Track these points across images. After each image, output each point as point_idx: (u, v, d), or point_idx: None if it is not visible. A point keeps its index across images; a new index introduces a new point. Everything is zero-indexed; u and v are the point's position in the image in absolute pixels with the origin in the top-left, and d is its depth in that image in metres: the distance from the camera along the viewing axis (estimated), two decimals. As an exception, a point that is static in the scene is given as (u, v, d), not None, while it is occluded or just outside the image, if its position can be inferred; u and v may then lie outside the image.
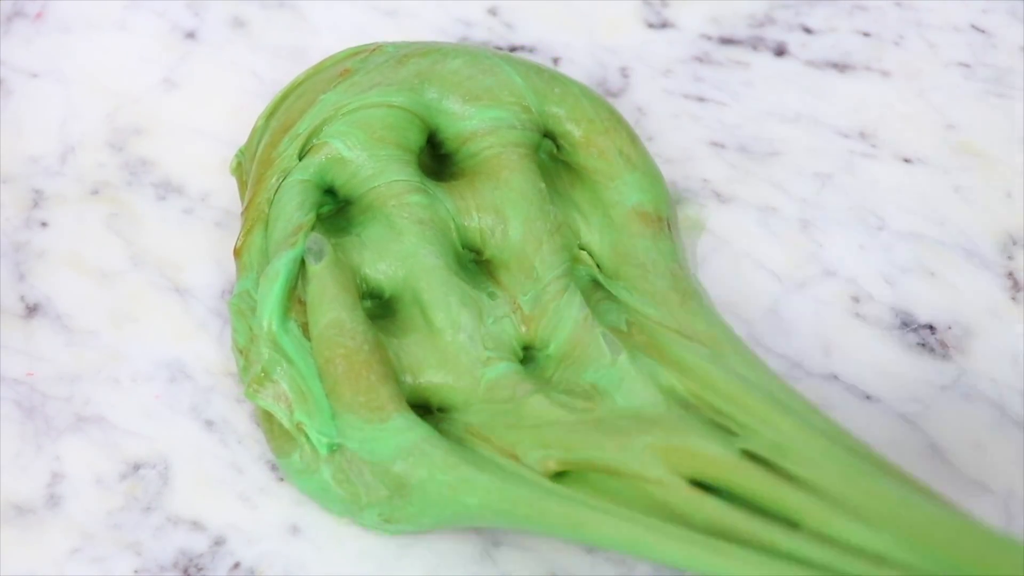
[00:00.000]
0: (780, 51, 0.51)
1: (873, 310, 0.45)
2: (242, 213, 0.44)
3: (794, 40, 0.52)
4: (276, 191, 0.43)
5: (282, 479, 0.41)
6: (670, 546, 0.35)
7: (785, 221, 0.47)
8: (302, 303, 0.41)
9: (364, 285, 0.41)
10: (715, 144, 0.49)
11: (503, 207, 0.43)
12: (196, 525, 0.40)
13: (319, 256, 0.41)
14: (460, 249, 0.42)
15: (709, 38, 0.52)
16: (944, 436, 0.42)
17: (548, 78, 0.45)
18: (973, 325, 0.44)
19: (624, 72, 0.51)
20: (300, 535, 0.40)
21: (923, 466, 0.41)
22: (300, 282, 0.41)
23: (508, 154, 0.43)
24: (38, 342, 0.43)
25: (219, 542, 0.40)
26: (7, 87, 0.49)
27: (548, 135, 0.45)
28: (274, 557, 0.39)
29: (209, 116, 0.49)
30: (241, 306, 0.41)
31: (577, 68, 0.50)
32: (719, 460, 0.36)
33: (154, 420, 0.42)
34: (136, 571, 0.39)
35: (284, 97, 0.45)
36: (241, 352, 0.41)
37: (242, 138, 0.46)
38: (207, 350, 0.43)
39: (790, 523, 0.35)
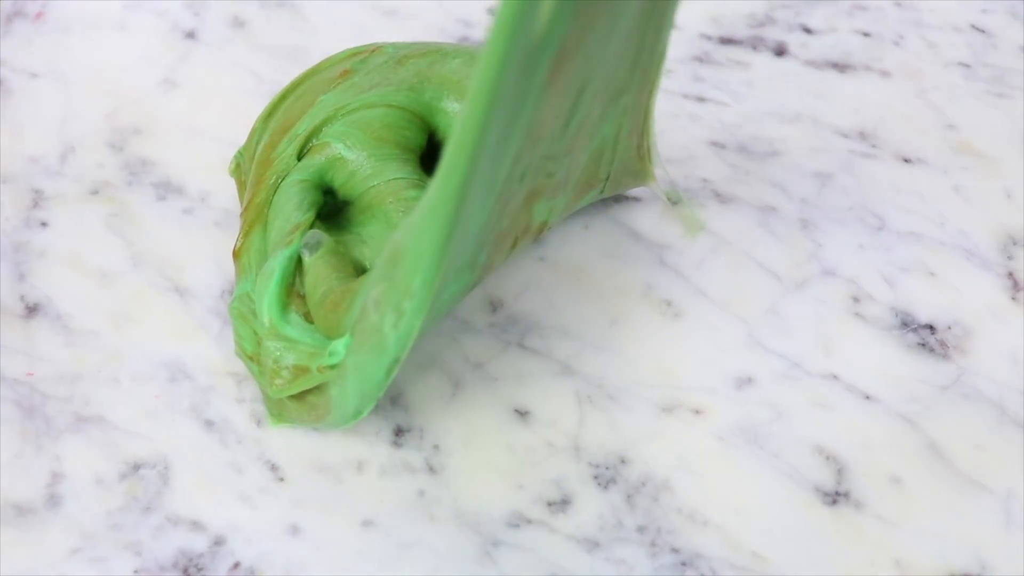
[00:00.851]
0: (780, 51, 0.51)
1: (873, 310, 0.45)
2: (241, 214, 0.44)
3: (794, 40, 0.52)
4: (275, 192, 0.43)
5: (282, 479, 0.41)
6: None
7: (785, 221, 0.47)
8: (302, 297, 0.41)
9: (359, 271, 0.41)
10: (715, 144, 0.49)
11: None
12: (196, 525, 0.40)
13: (315, 248, 0.41)
14: None
15: (709, 38, 0.52)
16: (944, 436, 0.42)
17: None
18: (973, 325, 0.45)
19: (624, 72, 0.51)
20: (300, 535, 0.40)
21: (923, 466, 0.41)
22: (298, 279, 0.41)
23: None
24: (38, 342, 0.43)
25: (219, 542, 0.40)
26: (7, 87, 0.49)
27: None
28: (274, 557, 0.39)
29: (209, 116, 0.49)
30: (242, 310, 0.41)
31: (577, 68, 0.50)
32: None
33: (154, 420, 0.42)
34: (136, 571, 0.39)
35: (283, 98, 0.45)
36: (252, 359, 0.41)
37: (242, 138, 0.46)
38: (207, 350, 0.43)
39: None
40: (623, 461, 0.41)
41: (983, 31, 0.52)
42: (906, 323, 0.45)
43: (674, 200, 0.46)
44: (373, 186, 0.42)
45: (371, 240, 0.42)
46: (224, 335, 0.43)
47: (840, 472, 0.41)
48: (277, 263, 0.41)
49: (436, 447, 0.41)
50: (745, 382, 0.43)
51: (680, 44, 0.51)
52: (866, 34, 0.52)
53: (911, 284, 0.45)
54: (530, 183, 0.39)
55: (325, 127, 0.43)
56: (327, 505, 0.40)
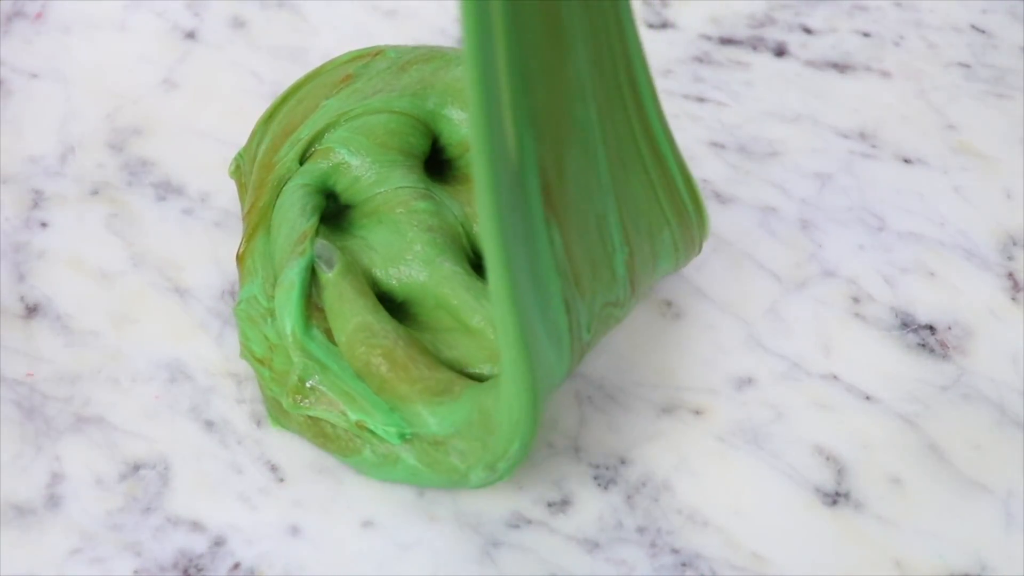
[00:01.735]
0: (780, 51, 0.51)
1: (873, 310, 0.45)
2: (243, 218, 0.44)
3: (794, 40, 0.52)
4: (277, 196, 0.43)
5: (282, 479, 0.41)
6: None
7: (785, 221, 0.47)
8: (319, 309, 0.41)
9: (375, 288, 0.41)
10: (715, 144, 0.49)
11: None
12: (196, 525, 0.40)
13: (330, 263, 0.41)
14: (471, 254, 0.42)
15: (709, 38, 0.52)
16: (944, 436, 0.42)
17: None
18: (973, 325, 0.44)
19: (624, 72, 0.50)
20: (300, 535, 0.40)
21: (923, 466, 0.41)
22: (314, 289, 0.41)
23: None
24: (38, 342, 0.43)
25: (219, 542, 0.40)
26: (7, 87, 0.49)
27: None
28: (274, 557, 0.39)
29: (209, 116, 0.49)
30: (250, 312, 0.41)
31: (577, 68, 0.50)
32: None
33: (154, 421, 0.42)
34: (136, 571, 0.39)
35: (284, 101, 0.45)
36: (261, 362, 0.41)
37: (242, 138, 0.46)
38: (207, 350, 0.43)
39: None
40: (623, 461, 0.41)
41: (983, 31, 0.52)
42: (906, 323, 0.45)
43: None
44: (379, 192, 0.42)
45: (380, 247, 0.42)
46: (224, 335, 0.43)
47: (840, 472, 0.41)
48: (296, 275, 0.41)
49: (436, 447, 0.41)
50: (745, 382, 0.43)
51: (680, 44, 0.51)
52: (866, 34, 0.52)
53: (911, 284, 0.45)
54: (599, 330, 0.40)
55: (328, 132, 0.43)
56: (327, 505, 0.40)
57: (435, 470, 0.39)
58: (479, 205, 0.33)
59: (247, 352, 0.42)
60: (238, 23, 0.51)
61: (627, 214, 0.39)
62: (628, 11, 0.37)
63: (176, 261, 0.45)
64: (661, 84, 0.50)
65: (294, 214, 0.42)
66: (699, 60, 0.51)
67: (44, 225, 0.46)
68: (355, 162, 0.43)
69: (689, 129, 0.49)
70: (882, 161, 0.48)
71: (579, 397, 0.43)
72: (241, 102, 0.49)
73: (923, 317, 0.45)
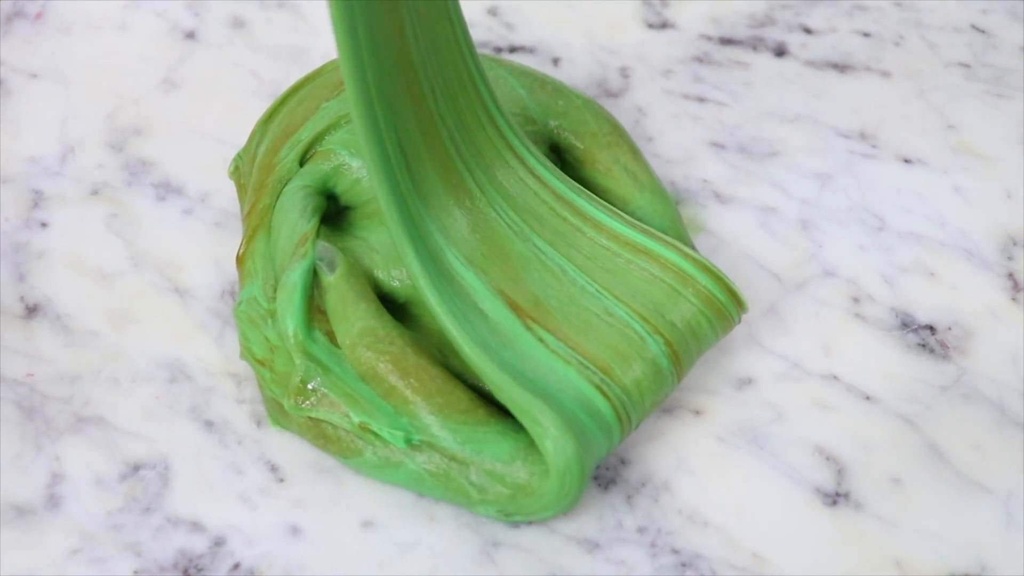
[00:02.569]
0: (780, 51, 0.51)
1: (873, 310, 0.45)
2: (243, 219, 0.44)
3: (794, 40, 0.52)
4: (278, 197, 0.43)
5: (282, 480, 0.41)
6: None
7: (785, 221, 0.47)
8: (322, 312, 0.41)
9: (377, 289, 0.41)
10: (715, 144, 0.49)
11: None
12: (196, 526, 0.40)
13: (332, 266, 0.41)
14: None
15: (709, 38, 0.52)
16: (944, 436, 0.42)
17: (551, 90, 0.45)
18: (973, 325, 0.44)
19: (624, 72, 0.51)
20: (300, 536, 0.40)
21: (923, 466, 0.41)
22: (316, 291, 0.41)
23: None
24: (38, 343, 0.43)
25: (219, 543, 0.40)
26: (7, 87, 0.49)
27: (552, 148, 0.45)
28: (274, 558, 0.39)
29: (209, 116, 0.49)
30: (251, 314, 0.41)
31: (577, 68, 0.50)
32: None
33: (154, 421, 0.42)
34: (136, 572, 0.39)
35: (283, 102, 0.45)
36: (262, 363, 0.41)
37: (242, 138, 0.46)
38: (207, 351, 0.43)
39: None
40: (623, 462, 0.41)
41: (983, 31, 0.52)
42: (906, 324, 0.45)
43: (675, 202, 0.46)
44: None
45: (381, 249, 0.42)
46: (224, 336, 0.43)
47: (840, 473, 0.41)
48: (298, 277, 0.41)
49: (436, 448, 0.41)
50: (745, 383, 0.43)
51: (680, 44, 0.51)
52: (866, 34, 0.52)
53: (911, 284, 0.45)
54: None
55: (328, 134, 0.43)
56: (327, 506, 0.40)
57: (440, 483, 0.39)
58: (449, 339, 0.39)
59: (247, 353, 0.42)
60: (238, 23, 0.51)
61: (639, 306, 0.41)
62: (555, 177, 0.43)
63: (176, 261, 0.45)
64: (661, 84, 0.50)
65: (295, 216, 0.42)
66: (699, 60, 0.51)
67: (44, 225, 0.46)
68: (356, 164, 0.43)
69: (689, 129, 0.49)
70: (882, 161, 0.48)
71: (579, 397, 0.43)
72: (241, 102, 0.49)
73: (923, 317, 0.45)
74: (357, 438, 0.40)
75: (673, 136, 0.49)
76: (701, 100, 0.50)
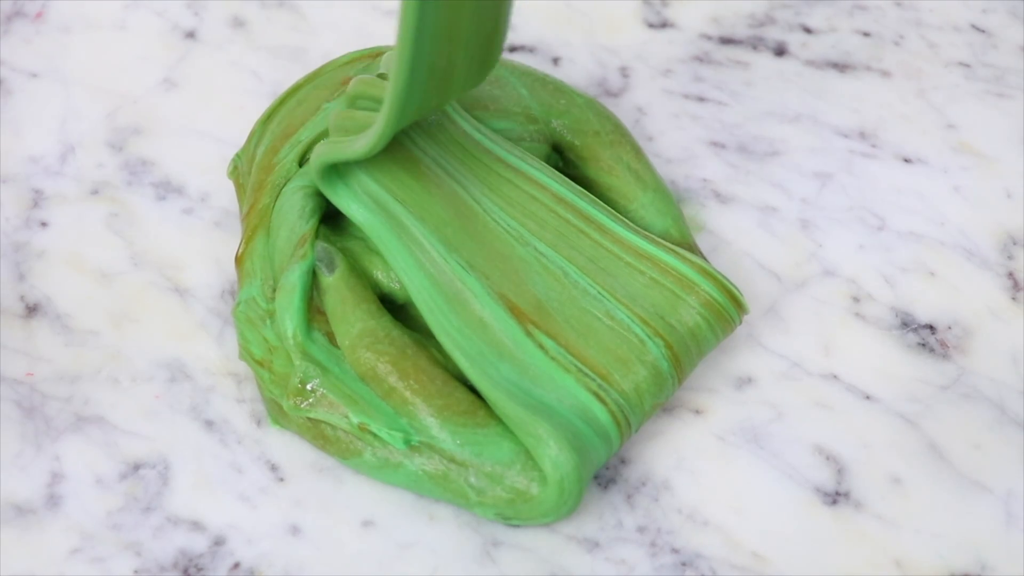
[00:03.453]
0: (780, 51, 0.51)
1: (873, 310, 0.45)
2: (242, 219, 0.44)
3: (794, 40, 0.52)
4: (277, 198, 0.43)
5: (282, 479, 0.41)
6: None
7: (785, 221, 0.47)
8: (321, 313, 0.41)
9: (376, 290, 0.41)
10: (715, 144, 0.49)
11: None
12: (196, 525, 0.40)
13: (331, 267, 0.41)
14: None
15: (709, 38, 0.52)
16: (944, 436, 0.42)
17: (553, 90, 0.45)
18: (973, 325, 0.44)
19: (624, 72, 0.51)
20: (300, 535, 0.40)
21: (923, 466, 0.41)
22: (315, 292, 0.41)
23: None
24: (38, 342, 0.43)
25: (219, 542, 0.40)
26: (7, 87, 0.49)
27: (554, 147, 0.45)
28: (274, 557, 0.39)
29: (209, 116, 0.49)
30: (249, 314, 0.41)
31: (577, 68, 0.50)
32: None
33: (154, 420, 0.42)
34: (136, 571, 0.39)
35: (282, 102, 0.45)
36: (261, 364, 0.41)
37: (242, 138, 0.46)
38: (207, 350, 0.43)
39: None
40: (623, 461, 0.41)
41: (983, 31, 0.52)
42: (906, 323, 0.45)
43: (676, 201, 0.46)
44: None
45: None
46: (224, 335, 0.43)
47: (840, 472, 0.41)
48: (297, 278, 0.41)
49: (436, 447, 0.41)
50: (745, 382, 0.43)
51: (680, 44, 0.51)
52: (866, 34, 0.52)
53: (911, 284, 0.45)
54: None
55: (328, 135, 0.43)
56: (327, 505, 0.40)
57: (439, 484, 0.39)
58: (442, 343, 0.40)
59: (246, 354, 0.42)
60: (238, 23, 0.51)
61: (640, 309, 0.41)
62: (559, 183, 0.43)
63: (176, 261, 0.45)
64: (661, 84, 0.50)
65: (293, 216, 0.42)
66: (699, 60, 0.51)
67: (44, 225, 0.46)
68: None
69: (689, 129, 0.49)
70: (882, 161, 0.48)
71: (579, 397, 0.43)
72: (241, 102, 0.49)
73: (923, 317, 0.45)
74: (356, 439, 0.40)
75: (673, 135, 0.49)
76: (701, 100, 0.50)
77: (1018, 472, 0.41)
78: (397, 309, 0.41)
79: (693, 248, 0.44)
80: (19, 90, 0.49)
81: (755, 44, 0.51)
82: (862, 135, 0.49)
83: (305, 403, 0.40)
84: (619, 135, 0.45)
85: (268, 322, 0.41)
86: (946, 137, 0.49)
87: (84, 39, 0.51)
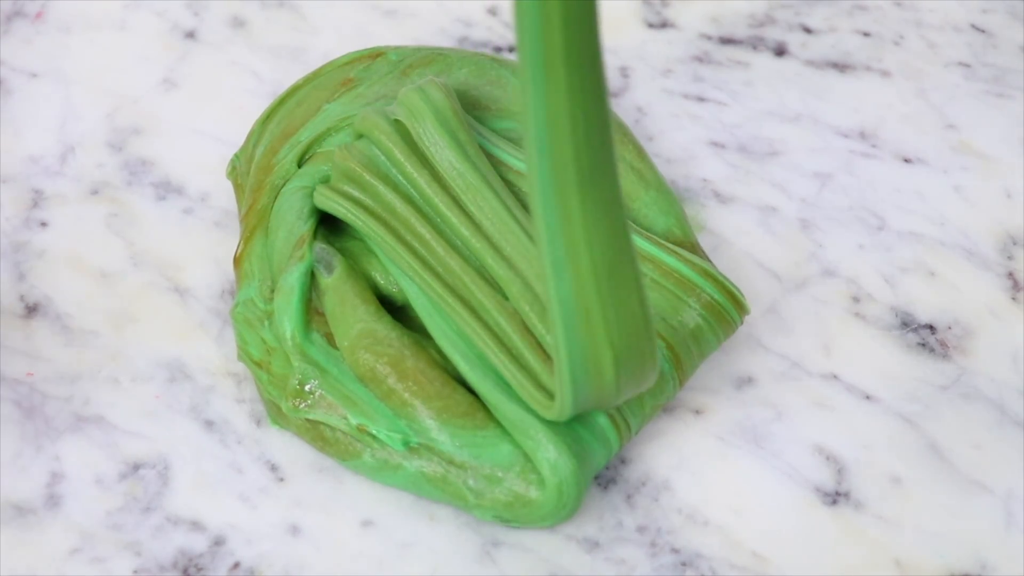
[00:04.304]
0: (780, 51, 0.51)
1: (873, 310, 0.45)
2: (241, 220, 0.44)
3: (794, 40, 0.52)
4: (276, 198, 0.43)
5: (282, 479, 0.41)
6: None
7: (785, 221, 0.47)
8: (320, 314, 0.41)
9: (376, 291, 0.41)
10: (715, 144, 0.49)
11: None
12: (196, 525, 0.40)
13: (330, 268, 0.41)
14: None
15: (709, 38, 0.52)
16: (944, 436, 0.42)
17: None
18: (973, 325, 0.44)
19: (624, 72, 0.50)
20: (300, 535, 0.40)
21: (923, 466, 0.41)
22: (314, 293, 0.41)
23: None
24: (38, 342, 0.43)
25: (219, 542, 0.40)
26: (7, 87, 0.49)
27: None
28: (274, 557, 0.39)
29: (209, 116, 0.49)
30: (248, 315, 0.41)
31: (577, 68, 0.50)
32: None
33: (154, 420, 0.42)
34: (136, 571, 0.39)
35: (282, 102, 0.45)
36: (259, 365, 0.41)
37: (242, 138, 0.46)
38: (207, 350, 0.43)
39: None
40: (623, 461, 0.41)
41: (983, 31, 0.52)
42: (906, 323, 0.45)
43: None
44: None
45: (380, 252, 0.42)
46: (224, 335, 0.43)
47: (840, 472, 0.41)
48: (296, 280, 0.41)
49: (436, 447, 0.41)
50: (745, 382, 0.43)
51: (680, 44, 0.51)
52: (866, 34, 0.52)
53: (911, 284, 0.45)
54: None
55: (328, 136, 0.43)
56: (327, 505, 0.40)
57: (438, 486, 0.39)
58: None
59: (244, 355, 0.41)
60: (238, 23, 0.51)
61: None
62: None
63: (176, 261, 0.45)
64: (661, 84, 0.50)
65: (292, 217, 0.42)
66: (699, 60, 0.51)
67: (44, 224, 0.46)
68: None
69: (689, 129, 0.49)
70: (882, 161, 0.48)
71: (579, 397, 0.43)
72: (241, 102, 0.49)
73: (923, 317, 0.45)
74: (355, 440, 0.40)
75: (673, 136, 0.49)
76: (701, 100, 0.50)
77: (1018, 472, 0.41)
78: (396, 310, 0.41)
79: (695, 247, 0.44)
80: (19, 90, 0.49)
81: (755, 44, 0.51)
82: (862, 135, 0.49)
83: (304, 404, 0.40)
84: (621, 134, 0.45)
85: (266, 323, 0.41)
86: (946, 137, 0.49)
87: (84, 39, 0.51)
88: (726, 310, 0.42)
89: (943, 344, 0.44)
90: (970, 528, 0.40)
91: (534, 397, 0.38)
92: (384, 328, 0.40)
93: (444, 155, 0.41)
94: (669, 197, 0.44)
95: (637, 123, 0.49)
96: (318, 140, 0.44)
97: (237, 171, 0.45)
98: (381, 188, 0.41)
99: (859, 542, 0.40)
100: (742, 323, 0.43)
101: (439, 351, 0.40)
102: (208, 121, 0.48)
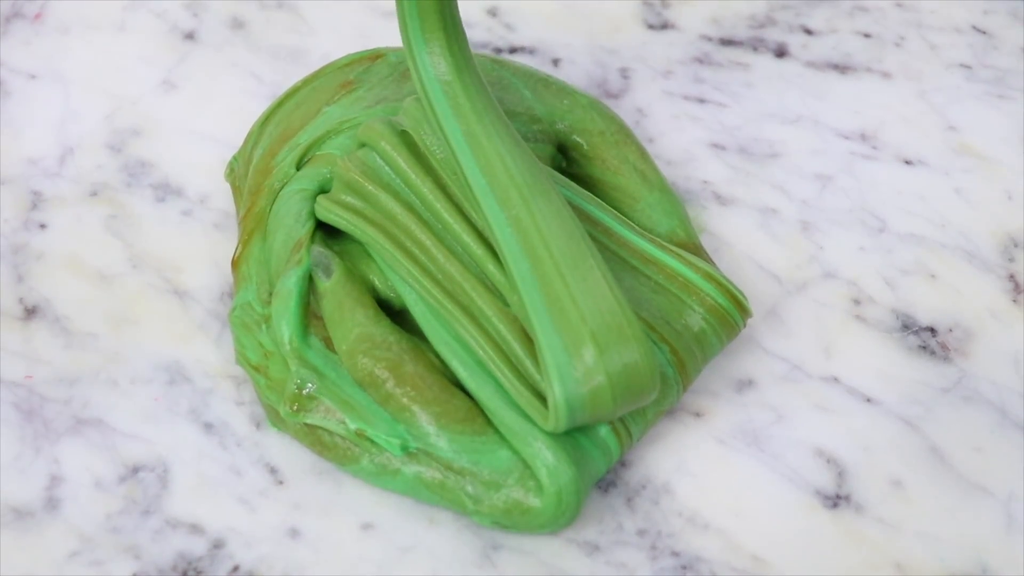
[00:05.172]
0: (781, 52, 0.51)
1: (874, 312, 0.45)
2: (239, 223, 0.44)
3: (795, 41, 0.52)
4: (274, 201, 0.43)
5: (282, 482, 0.41)
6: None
7: (786, 223, 0.47)
8: (318, 318, 0.41)
9: (374, 295, 0.41)
10: (715, 145, 0.49)
11: None
12: (195, 528, 0.40)
13: (328, 272, 0.41)
14: None
15: (709, 39, 0.52)
16: (945, 439, 0.42)
17: (556, 91, 0.45)
18: (974, 327, 0.44)
19: (624, 73, 0.50)
20: (299, 538, 0.40)
21: (924, 469, 0.41)
22: (312, 297, 0.41)
23: None
24: (37, 344, 0.43)
25: (218, 545, 0.40)
26: (6, 88, 0.49)
27: (559, 147, 0.45)
28: (273, 560, 0.39)
29: (208, 117, 0.48)
30: (245, 319, 0.41)
31: (577, 69, 0.50)
32: None
33: (153, 423, 0.42)
34: (135, 574, 0.39)
35: (280, 104, 0.45)
36: (257, 369, 0.41)
37: (242, 140, 0.46)
38: (206, 352, 0.43)
39: None
40: (623, 464, 0.41)
41: (984, 32, 0.52)
42: (907, 325, 0.44)
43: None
44: None
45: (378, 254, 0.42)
46: (224, 338, 0.43)
47: (841, 475, 0.41)
48: (294, 284, 0.41)
49: (436, 450, 0.41)
50: (745, 385, 0.43)
51: (680, 45, 0.51)
52: (867, 35, 0.52)
53: (912, 286, 0.45)
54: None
55: (328, 139, 0.43)
56: (327, 508, 0.40)
57: (437, 492, 0.39)
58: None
59: (242, 359, 0.41)
60: (237, 23, 0.51)
61: (646, 315, 0.41)
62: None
63: (175, 263, 0.45)
64: (661, 85, 0.50)
65: (290, 220, 0.42)
66: (699, 61, 0.51)
67: (43, 226, 0.46)
68: None
69: (689, 130, 0.49)
70: (883, 162, 0.48)
71: (579, 399, 0.43)
72: (240, 103, 0.49)
73: (924, 319, 0.45)
74: (354, 445, 0.40)
75: (673, 137, 0.49)
76: (701, 101, 0.50)
77: (1019, 475, 0.41)
78: (395, 314, 0.41)
79: (699, 249, 0.44)
80: (18, 91, 0.49)
81: (755, 45, 0.51)
82: (863, 137, 0.49)
83: (302, 409, 0.40)
84: (624, 135, 0.45)
85: (264, 327, 0.41)
86: (947, 139, 0.49)
87: (83, 40, 0.51)
88: (729, 313, 0.42)
89: (944, 346, 0.44)
90: (971, 531, 0.40)
91: (532, 405, 0.38)
92: (383, 332, 0.40)
93: (449, 163, 0.41)
94: (673, 198, 0.44)
95: (637, 124, 0.49)
96: (317, 143, 0.43)
97: (235, 173, 0.45)
98: (382, 196, 0.41)
99: (860, 545, 0.40)
100: (745, 326, 0.42)
101: (438, 355, 0.40)
102: (208, 122, 0.48)
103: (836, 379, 0.43)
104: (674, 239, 0.43)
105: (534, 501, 0.38)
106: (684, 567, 0.39)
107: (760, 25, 0.52)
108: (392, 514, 0.40)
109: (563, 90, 0.45)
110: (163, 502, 0.40)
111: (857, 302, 0.45)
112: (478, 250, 0.40)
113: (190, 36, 0.51)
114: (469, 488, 0.39)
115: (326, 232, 0.42)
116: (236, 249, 0.43)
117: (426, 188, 0.41)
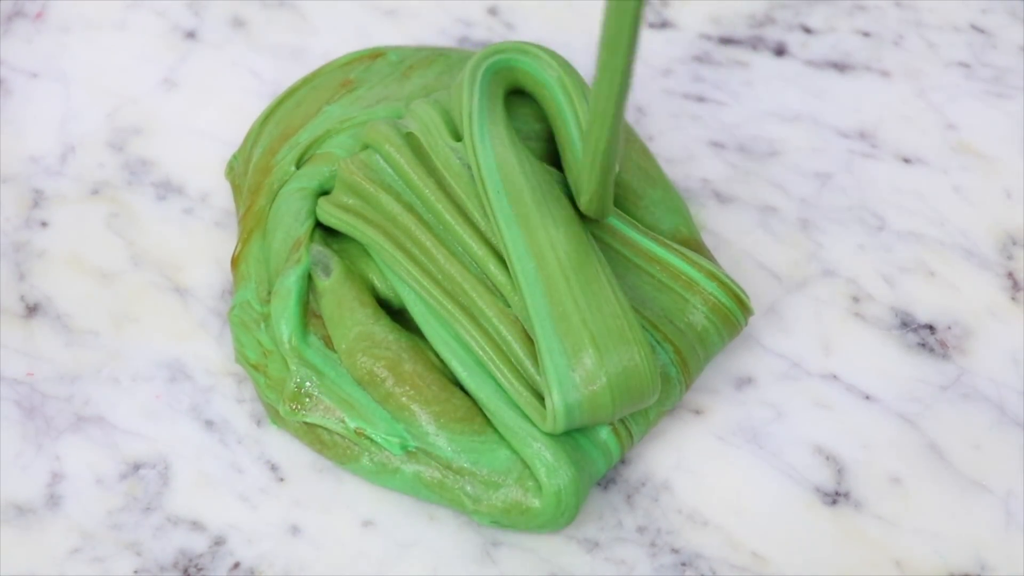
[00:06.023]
0: (780, 51, 0.51)
1: (873, 310, 0.45)
2: (239, 221, 0.44)
3: (794, 40, 0.52)
4: (274, 199, 0.43)
5: (282, 479, 0.41)
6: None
7: (785, 221, 0.47)
8: (317, 316, 0.41)
9: (374, 293, 0.41)
10: (715, 144, 0.49)
11: None
12: (196, 525, 0.40)
13: (327, 270, 0.41)
14: None
15: (709, 38, 0.52)
16: (944, 436, 0.42)
17: None
18: (973, 325, 0.45)
19: (624, 72, 0.50)
20: (300, 535, 0.40)
21: (923, 466, 0.41)
22: (311, 296, 0.41)
23: None
24: (38, 342, 0.43)
25: (219, 542, 0.40)
26: (7, 87, 0.49)
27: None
28: (274, 557, 0.39)
29: (209, 116, 0.49)
30: (244, 318, 0.41)
31: (577, 68, 0.50)
32: None
33: (154, 420, 0.42)
34: (136, 571, 0.39)
35: (280, 103, 0.45)
36: (256, 367, 0.41)
37: (242, 138, 0.46)
38: (207, 350, 0.43)
39: None
40: (623, 461, 0.41)
41: (983, 31, 0.52)
42: (906, 323, 0.45)
43: None
44: None
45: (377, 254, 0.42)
46: (224, 335, 0.43)
47: (840, 472, 0.41)
48: (293, 283, 0.41)
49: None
50: (745, 382, 0.43)
51: (680, 44, 0.51)
52: (866, 34, 0.52)
53: (911, 284, 0.45)
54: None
55: (328, 138, 0.43)
56: (327, 505, 0.40)
57: (436, 491, 0.39)
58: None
59: (242, 357, 0.41)
60: (238, 23, 0.51)
61: (649, 313, 0.41)
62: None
63: (176, 261, 0.45)
64: (661, 84, 0.50)
65: (290, 219, 0.42)
66: (699, 60, 0.51)
67: (44, 224, 0.46)
68: None
69: (689, 129, 0.49)
70: (882, 161, 0.48)
71: (579, 397, 0.43)
72: (241, 102, 0.49)
73: (923, 317, 0.45)
74: (353, 443, 0.40)
75: (673, 136, 0.49)
76: (701, 99, 0.50)
77: (1018, 472, 0.41)
78: (395, 313, 0.41)
79: (701, 246, 0.44)
80: (19, 90, 0.49)
81: (755, 44, 0.51)
82: (862, 135, 0.49)
83: (301, 408, 0.40)
84: (626, 133, 0.45)
85: (263, 326, 0.41)
86: (946, 137, 0.49)
87: (84, 39, 0.51)
88: (731, 311, 0.42)
89: (943, 344, 0.44)
90: (970, 528, 0.40)
91: (532, 405, 0.38)
92: (382, 331, 0.40)
93: (454, 165, 0.41)
94: (675, 195, 0.44)
95: (637, 123, 0.49)
96: (317, 142, 0.44)
97: (235, 172, 0.45)
98: (383, 197, 0.41)
99: (859, 542, 0.40)
100: (746, 324, 0.43)
101: (438, 355, 0.40)
102: (208, 121, 0.48)
103: (835, 376, 0.43)
104: (677, 236, 0.43)
105: (533, 501, 0.38)
106: (684, 564, 0.40)
107: (759, 24, 0.52)
108: (392, 511, 0.40)
109: None
110: (164, 499, 0.40)
111: (856, 300, 0.45)
112: (479, 251, 0.40)
113: (191, 35, 0.51)
114: (468, 487, 0.39)
115: (325, 231, 0.42)
116: (235, 248, 0.43)
117: (428, 190, 0.41)
